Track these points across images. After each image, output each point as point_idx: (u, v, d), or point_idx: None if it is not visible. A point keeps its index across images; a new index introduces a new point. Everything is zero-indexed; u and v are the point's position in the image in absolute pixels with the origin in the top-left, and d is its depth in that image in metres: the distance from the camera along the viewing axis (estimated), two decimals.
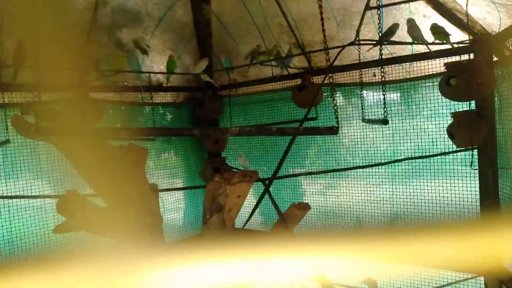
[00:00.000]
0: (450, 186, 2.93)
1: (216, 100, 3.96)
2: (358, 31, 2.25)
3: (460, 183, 2.90)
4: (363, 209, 3.40)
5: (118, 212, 2.00)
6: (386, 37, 2.38)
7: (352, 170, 3.40)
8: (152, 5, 3.17)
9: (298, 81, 3.43)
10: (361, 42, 2.34)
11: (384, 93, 2.56)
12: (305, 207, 2.25)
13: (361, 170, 3.40)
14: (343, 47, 2.49)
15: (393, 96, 3.18)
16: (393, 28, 2.40)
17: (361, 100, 2.62)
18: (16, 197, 2.69)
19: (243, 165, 3.56)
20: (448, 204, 2.94)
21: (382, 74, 2.51)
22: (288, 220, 2.24)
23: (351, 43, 2.40)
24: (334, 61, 2.49)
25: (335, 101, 2.50)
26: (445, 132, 2.73)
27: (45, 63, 2.84)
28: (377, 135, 3.32)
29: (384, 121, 2.67)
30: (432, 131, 3.05)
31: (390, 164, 3.23)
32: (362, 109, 2.62)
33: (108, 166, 2.10)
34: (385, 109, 2.61)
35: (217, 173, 3.96)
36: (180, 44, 3.58)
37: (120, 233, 2.03)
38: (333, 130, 1.92)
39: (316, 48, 3.23)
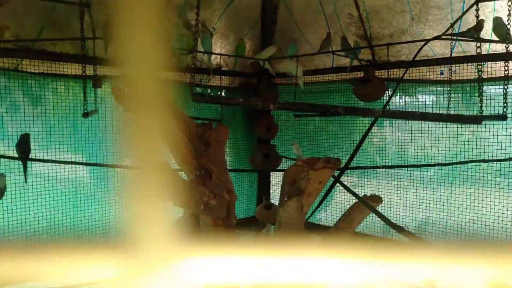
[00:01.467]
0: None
1: (272, 88, 3.97)
2: (453, 24, 2.21)
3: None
4: (388, 212, 3.30)
5: (199, 187, 2.06)
6: (476, 32, 2.33)
7: (378, 170, 3.44)
8: None
9: (355, 75, 3.42)
10: (456, 36, 2.29)
11: (506, 87, 2.49)
12: (378, 199, 2.25)
13: (389, 170, 3.41)
14: (424, 42, 2.45)
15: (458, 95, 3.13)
16: (481, 24, 2.35)
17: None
18: (106, 165, 2.82)
19: (297, 154, 3.57)
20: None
21: (481, 71, 2.44)
22: (357, 213, 2.25)
23: (436, 37, 2.36)
24: (416, 55, 2.46)
25: (481, 90, 2.45)
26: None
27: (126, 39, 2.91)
28: (409, 137, 3.33)
29: (503, 117, 2.58)
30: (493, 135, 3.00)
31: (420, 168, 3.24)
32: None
33: (192, 142, 2.15)
34: (505, 103, 2.54)
35: (267, 159, 4.01)
36: (244, 29, 3.60)
37: (199, 207, 2.08)
38: (477, 120, 1.90)
39: (384, 41, 3.19)
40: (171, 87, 3.00)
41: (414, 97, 3.36)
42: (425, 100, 3.37)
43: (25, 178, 2.58)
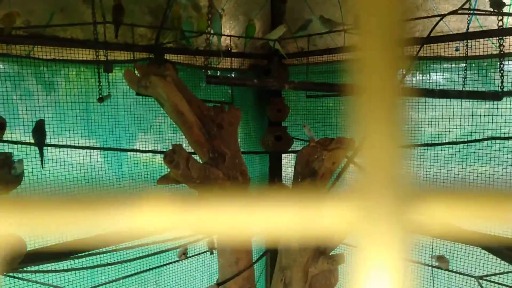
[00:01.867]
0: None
1: (283, 69, 3.93)
2: None
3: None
4: None
5: (213, 169, 2.07)
6: (498, 7, 2.25)
7: None
8: None
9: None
10: (477, 10, 2.22)
11: (502, 65, 2.41)
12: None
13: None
14: (440, 17, 2.38)
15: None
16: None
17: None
18: (120, 149, 2.86)
19: (309, 135, 3.56)
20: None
21: (503, 45, 2.36)
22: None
23: (453, 12, 2.29)
24: (431, 31, 2.39)
25: (502, 65, 2.38)
26: None
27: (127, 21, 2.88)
28: (422, 116, 3.28)
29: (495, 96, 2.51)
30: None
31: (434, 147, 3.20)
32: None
33: (205, 125, 2.15)
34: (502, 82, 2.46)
35: (279, 141, 4.00)
36: (253, 9, 3.55)
37: (211, 191, 2.10)
38: (498, 96, 1.86)
39: None
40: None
41: (428, 75, 3.29)
42: (439, 77, 3.30)
43: (42, 164, 2.63)
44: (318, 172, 2.02)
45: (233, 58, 3.87)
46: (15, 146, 2.65)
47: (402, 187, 0.27)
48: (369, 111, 0.27)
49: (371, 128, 0.27)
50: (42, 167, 2.67)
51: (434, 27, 2.38)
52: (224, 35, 3.34)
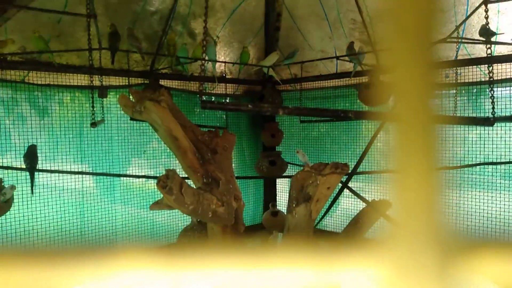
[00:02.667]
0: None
1: (276, 95, 3.98)
2: (458, 27, 2.21)
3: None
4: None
5: (207, 194, 2.05)
6: (487, 36, 2.32)
7: (385, 174, 3.38)
8: None
9: (359, 80, 3.42)
10: (465, 39, 2.28)
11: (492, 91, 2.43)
12: (387, 204, 2.23)
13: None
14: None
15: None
16: (488, 28, 2.35)
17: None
18: (113, 175, 2.83)
19: (303, 160, 3.56)
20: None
21: (491, 72, 2.40)
22: (366, 218, 2.23)
23: (442, 40, 2.35)
24: None
25: (492, 91, 2.37)
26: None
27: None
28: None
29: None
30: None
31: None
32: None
33: (199, 149, 2.15)
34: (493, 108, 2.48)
35: (273, 166, 3.99)
36: (247, 36, 3.62)
37: (207, 216, 2.07)
38: (490, 121, 1.89)
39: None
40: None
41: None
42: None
43: (32, 189, 2.59)
44: (312, 197, 2.00)
45: (227, 84, 3.92)
46: (6, 171, 2.61)
47: (443, 238, 0.23)
48: (405, 142, 0.24)
49: (405, 162, 0.24)
50: (32, 193, 2.63)
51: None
52: (219, 61, 3.40)
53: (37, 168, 2.55)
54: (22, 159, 2.58)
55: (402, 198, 0.23)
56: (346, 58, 3.20)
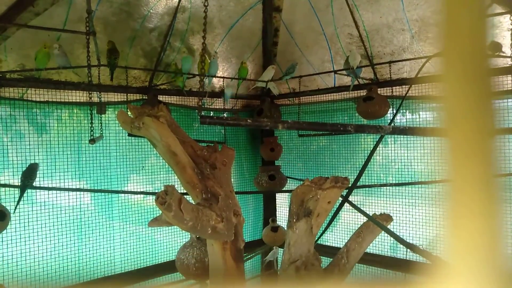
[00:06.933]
0: None
1: (275, 109, 3.99)
2: None
3: None
4: (397, 231, 3.25)
5: (206, 210, 2.02)
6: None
7: (384, 188, 3.39)
8: (225, 13, 3.26)
9: (358, 93, 3.44)
10: None
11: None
12: (388, 218, 2.21)
13: (395, 188, 3.37)
14: (426, 59, 2.46)
15: None
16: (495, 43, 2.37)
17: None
18: (111, 191, 2.80)
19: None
20: None
21: None
22: (367, 232, 2.20)
23: (438, 54, 2.37)
24: (418, 72, 2.47)
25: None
26: None
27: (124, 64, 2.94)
28: (413, 154, 3.31)
29: None
30: None
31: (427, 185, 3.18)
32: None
33: (198, 165, 2.13)
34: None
35: (273, 180, 3.97)
36: (245, 52, 3.65)
37: (206, 232, 2.04)
38: None
39: (385, 60, 3.21)
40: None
41: (417, 114, 3.36)
42: (427, 116, 3.37)
43: (16, 207, 2.41)
44: (313, 211, 1.98)
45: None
46: (2, 189, 2.58)
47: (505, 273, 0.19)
48: (459, 157, 0.22)
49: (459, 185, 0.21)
50: (14, 211, 2.47)
51: (421, 68, 2.45)
52: (218, 76, 3.41)
53: (33, 185, 2.50)
54: (19, 177, 2.55)
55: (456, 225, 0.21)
56: (344, 72, 3.22)
